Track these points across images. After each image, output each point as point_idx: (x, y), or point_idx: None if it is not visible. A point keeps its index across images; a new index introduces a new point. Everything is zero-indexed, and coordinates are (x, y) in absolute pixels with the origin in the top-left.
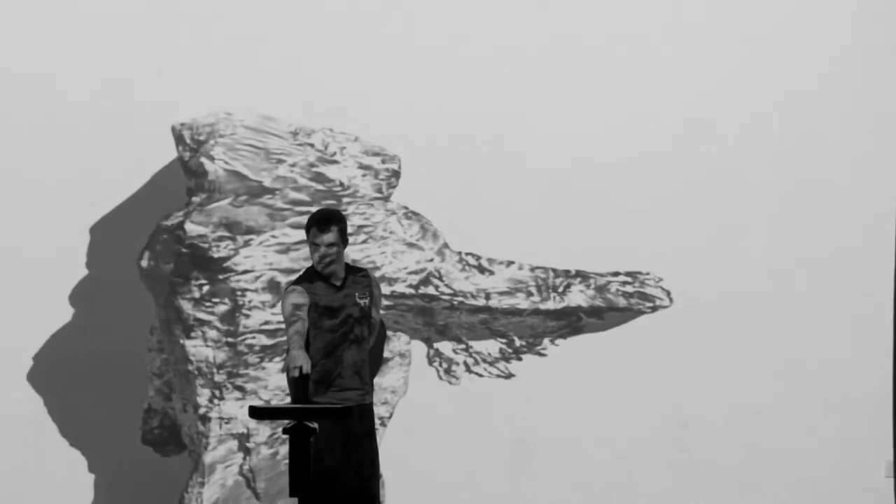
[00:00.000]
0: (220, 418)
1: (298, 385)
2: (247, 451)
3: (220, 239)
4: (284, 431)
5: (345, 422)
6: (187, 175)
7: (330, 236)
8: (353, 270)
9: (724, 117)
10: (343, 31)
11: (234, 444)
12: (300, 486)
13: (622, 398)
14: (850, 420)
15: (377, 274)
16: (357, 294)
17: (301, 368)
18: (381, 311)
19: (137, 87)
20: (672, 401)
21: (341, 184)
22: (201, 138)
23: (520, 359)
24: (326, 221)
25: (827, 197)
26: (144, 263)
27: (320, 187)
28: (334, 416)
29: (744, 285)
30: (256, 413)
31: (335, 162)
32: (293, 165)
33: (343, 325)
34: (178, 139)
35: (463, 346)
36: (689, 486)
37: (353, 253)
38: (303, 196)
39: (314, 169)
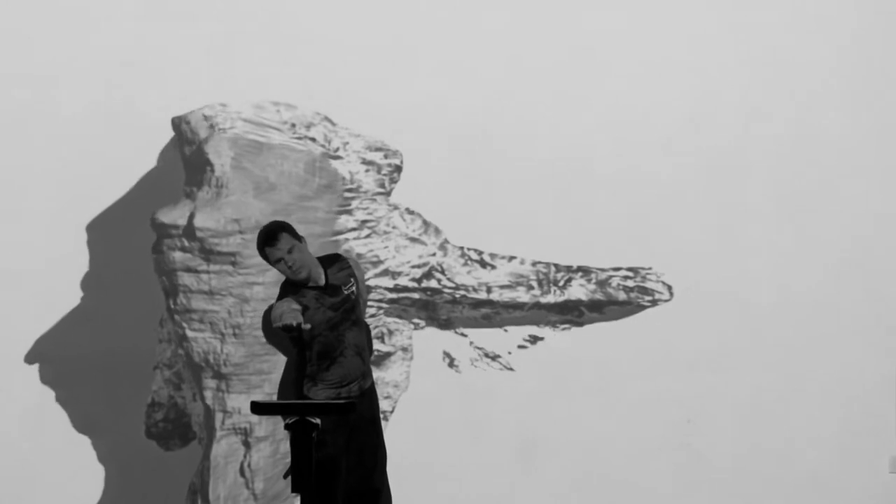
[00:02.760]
0: (224, 412)
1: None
2: (248, 447)
3: (230, 233)
4: (286, 427)
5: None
6: (188, 169)
7: (283, 245)
8: (330, 262)
9: (727, 113)
10: (343, 27)
11: (236, 439)
12: (302, 482)
13: (626, 393)
14: (854, 415)
15: (381, 268)
16: (343, 287)
17: (296, 323)
18: (385, 306)
19: (135, 81)
20: (676, 396)
21: (343, 179)
22: (201, 132)
23: (521, 350)
24: (272, 236)
25: (830, 193)
26: (155, 256)
27: (324, 182)
28: (337, 411)
29: (747, 281)
30: (258, 408)
31: (338, 157)
32: (297, 161)
33: (344, 303)
34: (178, 133)
35: (466, 339)
36: (692, 480)
37: (357, 247)
38: (306, 191)
39: (317, 164)
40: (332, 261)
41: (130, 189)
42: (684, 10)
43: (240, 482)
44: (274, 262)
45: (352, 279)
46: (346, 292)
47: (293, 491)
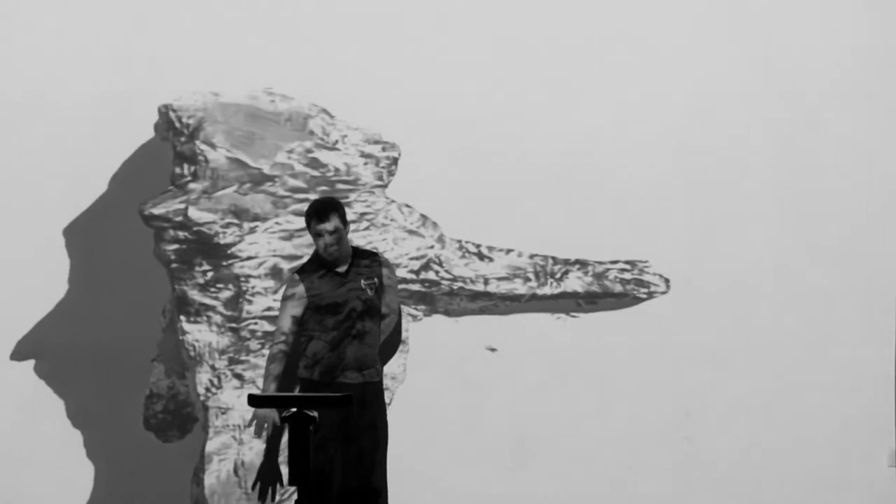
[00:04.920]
0: (218, 408)
1: (270, 439)
2: (241, 444)
3: (227, 226)
4: (284, 420)
5: (343, 412)
6: (177, 159)
7: (331, 224)
8: (362, 255)
9: (727, 107)
10: (341, 19)
11: (229, 436)
12: (300, 475)
13: (624, 387)
14: (853, 409)
15: None
16: (363, 281)
17: (272, 425)
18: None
19: (133, 73)
20: (674, 390)
21: (337, 170)
22: (192, 122)
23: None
24: (325, 211)
25: (830, 187)
26: (154, 248)
27: (316, 174)
28: (335, 404)
29: (747, 275)
30: (255, 401)
31: (335, 149)
32: (290, 152)
33: (346, 321)
34: (165, 121)
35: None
36: (690, 475)
37: (356, 240)
38: (300, 183)
39: (311, 155)
40: (366, 255)
41: (124, 180)
42: (685, 7)
43: (233, 481)
44: (314, 235)
45: (374, 275)
46: (363, 284)
47: (290, 484)
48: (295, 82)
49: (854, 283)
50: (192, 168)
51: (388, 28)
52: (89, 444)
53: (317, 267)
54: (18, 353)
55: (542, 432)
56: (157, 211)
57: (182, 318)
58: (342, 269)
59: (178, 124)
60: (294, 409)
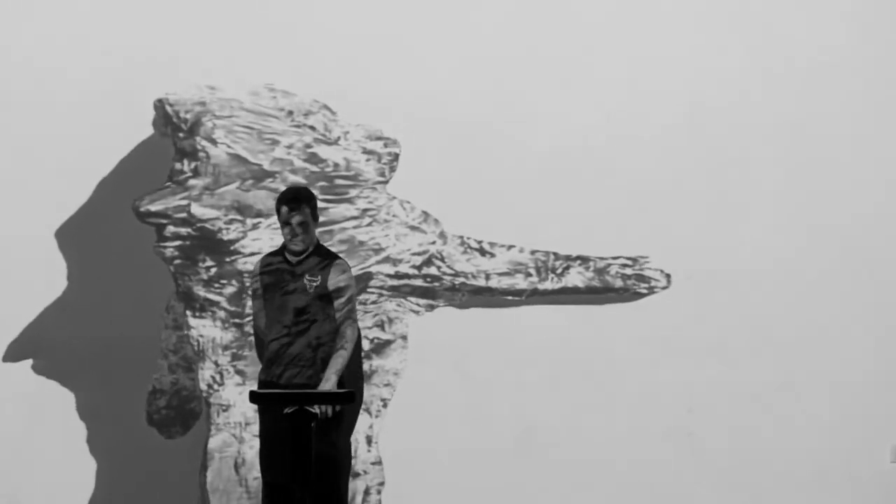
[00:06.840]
0: (219, 405)
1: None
2: (242, 442)
3: (231, 222)
4: (285, 416)
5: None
6: (178, 155)
7: (300, 216)
8: (322, 253)
9: (728, 98)
10: (343, 15)
11: (230, 434)
12: (301, 471)
13: (626, 383)
14: (855, 404)
15: (382, 255)
16: (307, 276)
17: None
18: (386, 293)
19: (132, 67)
20: (677, 385)
21: (336, 165)
22: (188, 116)
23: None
24: (296, 201)
25: (831, 183)
26: (156, 244)
27: (315, 169)
28: (338, 400)
29: (748, 269)
30: (256, 398)
31: (335, 144)
32: (290, 147)
33: (283, 314)
34: (163, 116)
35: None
36: (693, 470)
37: (358, 235)
38: (300, 179)
39: (310, 150)
40: (324, 254)
41: (125, 176)
42: (686, 3)
43: (234, 479)
44: (281, 223)
45: (319, 277)
46: (304, 280)
47: (293, 480)
48: (297, 79)
49: (855, 279)
50: (193, 164)
51: (389, 25)
52: (91, 441)
53: (275, 255)
54: (20, 350)
55: (544, 427)
56: (154, 207)
57: (188, 312)
58: (295, 260)
59: (175, 119)
60: (296, 407)
